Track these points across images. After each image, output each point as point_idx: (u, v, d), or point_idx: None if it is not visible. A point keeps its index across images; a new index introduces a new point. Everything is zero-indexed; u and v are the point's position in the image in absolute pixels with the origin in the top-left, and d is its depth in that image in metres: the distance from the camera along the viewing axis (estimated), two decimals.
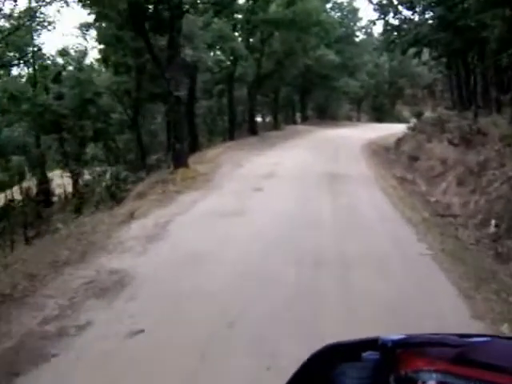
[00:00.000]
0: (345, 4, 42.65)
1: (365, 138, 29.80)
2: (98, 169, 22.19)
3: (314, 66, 37.00)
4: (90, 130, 22.45)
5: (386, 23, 24.33)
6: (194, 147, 24.54)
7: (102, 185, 17.40)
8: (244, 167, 17.31)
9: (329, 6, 40.99)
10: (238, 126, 35.39)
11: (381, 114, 57.59)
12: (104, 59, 21.98)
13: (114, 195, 15.00)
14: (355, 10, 43.77)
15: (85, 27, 20.80)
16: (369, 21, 25.03)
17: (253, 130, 31.47)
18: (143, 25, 14.33)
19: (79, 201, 17.82)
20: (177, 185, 12.80)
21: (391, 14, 24.23)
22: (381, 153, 25.12)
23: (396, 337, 0.94)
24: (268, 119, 45.34)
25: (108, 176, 18.21)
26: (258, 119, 48.42)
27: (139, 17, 13.96)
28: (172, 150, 15.80)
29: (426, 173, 17.69)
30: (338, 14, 42.14)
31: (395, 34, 24.56)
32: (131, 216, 10.06)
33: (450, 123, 21.80)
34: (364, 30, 45.61)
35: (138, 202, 11.70)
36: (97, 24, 18.69)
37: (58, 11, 22.91)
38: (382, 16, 24.27)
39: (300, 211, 10.55)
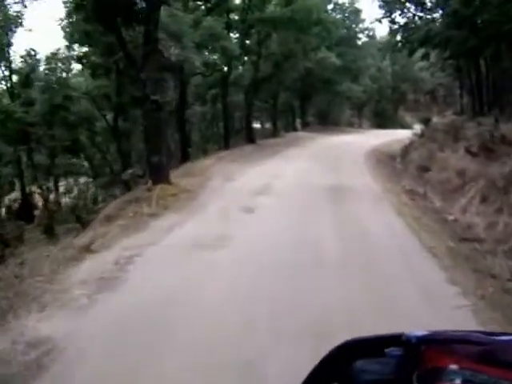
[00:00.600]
0: (346, 5, 40.63)
1: (368, 146, 27.77)
2: (75, 181, 20.15)
3: (314, 70, 34.91)
4: (67, 140, 20.18)
5: (393, 21, 22.30)
6: (185, 157, 22.45)
7: (72, 202, 15.18)
8: (236, 181, 15.19)
9: (330, 6, 38.86)
10: (235, 134, 33.36)
11: (383, 120, 55.55)
12: (79, 59, 19.80)
13: (79, 218, 12.87)
14: (357, 12, 41.72)
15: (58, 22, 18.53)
16: (375, 19, 22.56)
17: (250, 137, 29.37)
18: (114, 16, 12.26)
19: (48, 221, 15.56)
20: (152, 205, 10.64)
21: (398, 12, 22.24)
22: (386, 161, 23.04)
23: (420, 333, 0.93)
24: (267, 126, 43.30)
25: (75, 193, 16.03)
26: (257, 126, 46.53)
27: (108, 7, 11.89)
28: (148, 163, 13.61)
29: (441, 186, 15.56)
30: (340, 15, 39.99)
31: (402, 33, 22.53)
32: (87, 249, 7.93)
33: (464, 130, 19.88)
34: (366, 33, 43.61)
35: (102, 228, 9.57)
36: (71, 19, 16.42)
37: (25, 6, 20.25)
38: (388, 14, 22.24)
39: (297, 242, 8.41)
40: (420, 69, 61.30)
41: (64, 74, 21.24)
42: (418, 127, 33.19)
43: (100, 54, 17.54)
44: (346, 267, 7.10)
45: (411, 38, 21.51)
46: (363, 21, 43.28)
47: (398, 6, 21.64)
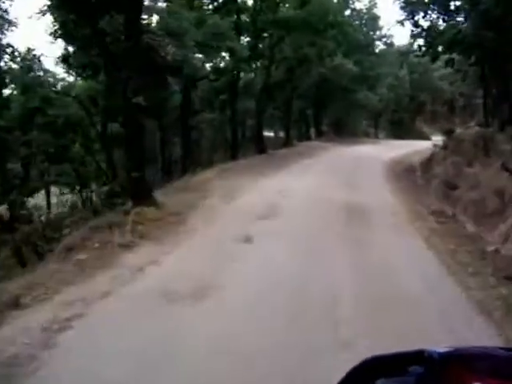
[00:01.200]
0: (364, 11, 38.31)
1: (386, 158, 25.59)
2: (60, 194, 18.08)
3: (330, 76, 32.71)
4: (50, 147, 18.05)
5: (416, 24, 20.01)
6: (187, 169, 20.34)
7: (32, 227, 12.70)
8: (237, 200, 13.03)
9: (347, 13, 36.59)
10: (247, 142, 31.27)
11: (400, 130, 53.12)
12: (64, 58, 17.59)
13: (35, 248, 10.64)
14: (375, 18, 39.41)
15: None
16: (396, 21, 20.30)
17: (260, 147, 27.21)
18: (87, 2, 10.17)
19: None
20: (126, 233, 8.48)
21: (421, 14, 19.95)
22: (406, 175, 20.79)
23: (443, 349, 0.90)
24: (281, 135, 41.18)
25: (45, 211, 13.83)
26: (270, 134, 44.39)
27: None
28: (128, 179, 11.38)
29: (473, 207, 13.29)
30: (357, 21, 37.72)
31: (425, 37, 20.23)
32: (16, 302, 5.75)
33: (495, 143, 17.66)
34: (384, 40, 41.27)
35: (55, 265, 7.43)
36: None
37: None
38: (411, 16, 19.97)
39: (302, 292, 6.25)
40: (439, 78, 58.97)
41: (42, 73, 19.13)
42: (438, 138, 31.05)
43: (78, 48, 15.40)
44: (366, 341, 4.85)
45: (436, 42, 19.25)
46: (381, 28, 41.02)
47: (421, 8, 19.37)
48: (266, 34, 26.51)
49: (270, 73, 26.66)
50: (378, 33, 40.47)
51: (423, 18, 19.74)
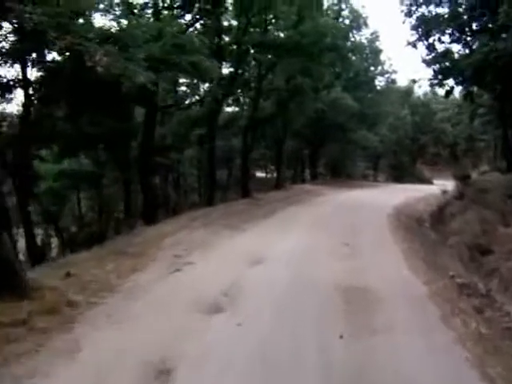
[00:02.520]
0: (365, 44, 34.72)
1: (389, 205, 21.53)
2: None
3: (327, 113, 28.91)
4: None
5: (430, 46, 16.26)
6: (150, 218, 16.12)
7: None
8: (187, 270, 8.79)
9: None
10: (235, 184, 27.24)
11: (400, 173, 49.22)
12: None
13: None
14: (377, 52, 35.83)
15: None
16: (407, 42, 16.41)
17: (245, 190, 23.14)
18: None
19: None
20: None
21: (436, 36, 16.24)
22: (416, 231, 16.64)
23: None
24: (275, 175, 37.34)
25: None
26: (261, 175, 40.37)
27: None
28: None
29: None
30: (358, 55, 34.11)
31: (440, 63, 16.44)
32: None
33: None
34: (387, 76, 37.57)
35: None
36: None
37: None
38: (424, 37, 16.25)
39: None
40: (441, 120, 55.49)
41: None
42: (441, 183, 27.40)
43: None
44: None
45: (452, 71, 15.45)
46: (383, 63, 37.40)
47: (437, 28, 15.64)
48: (253, 62, 22.75)
49: (258, 106, 22.79)
50: (379, 68, 36.84)
51: (439, 40, 16.06)
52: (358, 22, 33.21)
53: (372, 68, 37.14)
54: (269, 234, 12.82)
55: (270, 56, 20.13)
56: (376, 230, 15.16)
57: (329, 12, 28.36)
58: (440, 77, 16.72)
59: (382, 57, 36.89)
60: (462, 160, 51.87)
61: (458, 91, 20.55)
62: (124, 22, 13.85)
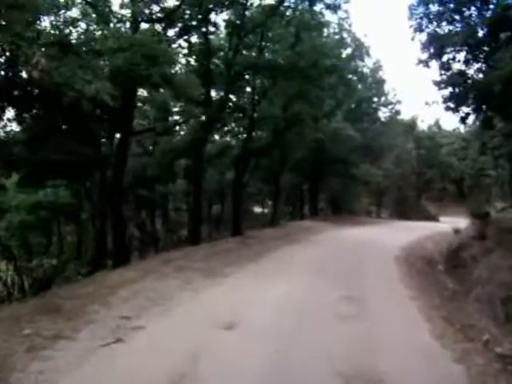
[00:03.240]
0: (368, 73, 32.81)
1: (395, 245, 19.29)
2: None
3: (327, 144, 26.75)
4: None
5: (445, 65, 14.15)
6: (123, 258, 13.76)
7: None
8: (129, 342, 6.39)
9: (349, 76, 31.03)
10: (227, 220, 24.91)
11: (404, 210, 46.79)
12: None
13: None
14: (381, 82, 33.87)
15: None
16: (418, 60, 14.26)
17: (236, 227, 20.79)
18: None
19: None
20: None
21: (451, 54, 14.14)
22: (429, 276, 14.22)
23: None
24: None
25: None
26: (259, 210, 38.06)
27: None
28: None
29: None
30: (361, 84, 32.16)
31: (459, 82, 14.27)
32: None
33: None
34: (391, 107, 35.48)
35: None
36: None
37: None
38: (438, 55, 14.16)
39: None
40: (447, 154, 53.53)
41: None
42: (456, 221, 25.04)
43: None
44: None
45: (474, 89, 13.28)
46: (387, 94, 35.38)
47: (452, 44, 13.55)
48: (248, 89, 20.71)
49: (251, 135, 20.65)
50: (383, 99, 34.81)
51: (453, 59, 13.98)
52: (360, 50, 31.32)
53: (375, 99, 35.15)
54: (253, 283, 10.42)
55: (264, 79, 18.05)
56: (383, 277, 12.75)
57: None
58: (455, 100, 14.53)
59: (386, 87, 34.93)
60: (472, 196, 49.56)
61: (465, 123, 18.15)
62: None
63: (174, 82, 10.94)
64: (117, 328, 6.91)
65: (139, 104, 15.38)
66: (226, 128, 22.64)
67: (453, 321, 8.59)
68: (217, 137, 24.35)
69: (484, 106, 14.57)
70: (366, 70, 33.05)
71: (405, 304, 9.62)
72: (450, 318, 8.83)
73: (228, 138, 23.21)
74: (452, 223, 24.51)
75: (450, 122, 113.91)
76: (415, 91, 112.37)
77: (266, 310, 8.28)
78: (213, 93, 18.99)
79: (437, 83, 14.92)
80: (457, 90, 14.50)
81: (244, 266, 12.77)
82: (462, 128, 62.26)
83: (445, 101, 14.83)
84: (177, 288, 9.65)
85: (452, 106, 14.60)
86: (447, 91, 15.08)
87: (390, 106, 35.28)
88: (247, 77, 18.61)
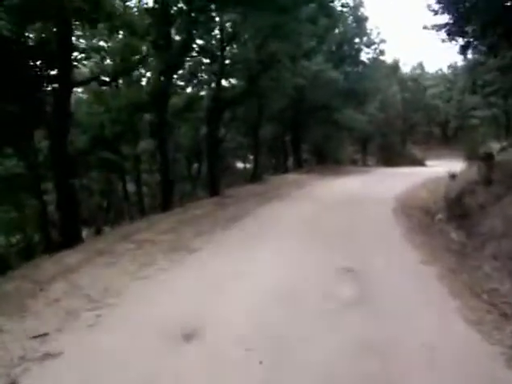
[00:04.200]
0: (347, 11, 29.81)
1: (389, 196, 17.18)
2: None
3: (308, 90, 24.21)
4: None
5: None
6: (71, 237, 11.35)
7: None
8: None
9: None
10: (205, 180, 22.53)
11: (391, 156, 44.62)
12: None
13: None
14: (362, 20, 30.95)
15: None
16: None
17: (213, 187, 18.49)
18: None
19: None
20: None
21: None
22: (433, 228, 12.20)
23: None
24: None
25: None
26: (240, 165, 35.65)
27: None
28: None
29: None
30: (340, 24, 29.23)
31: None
32: None
33: None
34: (374, 48, 32.64)
35: None
36: None
37: None
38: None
39: None
40: (432, 96, 51.19)
41: None
42: (434, 164, 23.09)
43: None
44: None
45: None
46: (369, 33, 32.42)
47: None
48: (217, 30, 17.97)
49: (221, 83, 18.07)
50: (365, 38, 31.97)
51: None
52: None
53: (357, 39, 32.25)
54: (226, 261, 8.19)
55: (233, 15, 15.38)
56: (384, 236, 10.64)
57: None
58: (456, 26, 12.05)
59: (369, 25, 31.98)
60: (463, 137, 47.42)
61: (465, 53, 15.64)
62: None
63: (103, 8, 8.38)
64: (20, 360, 4.66)
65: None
66: (195, 78, 19.93)
67: (482, 295, 6.53)
68: (189, 89, 21.76)
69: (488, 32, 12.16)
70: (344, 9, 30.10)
71: (419, 273, 7.52)
72: (475, 288, 6.79)
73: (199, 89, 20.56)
74: (440, 167, 22.60)
75: (433, 64, 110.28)
76: (395, 33, 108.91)
77: (242, 303, 6.08)
78: (177, 38, 16.30)
79: (434, 10, 12.41)
80: (458, 11, 12.02)
81: (217, 235, 10.52)
82: (445, 69, 60.23)
83: (445, 26, 12.36)
84: (129, 275, 7.41)
85: (454, 29, 12.12)
86: (446, 17, 12.61)
87: (373, 47, 32.49)
88: (213, 14, 15.88)
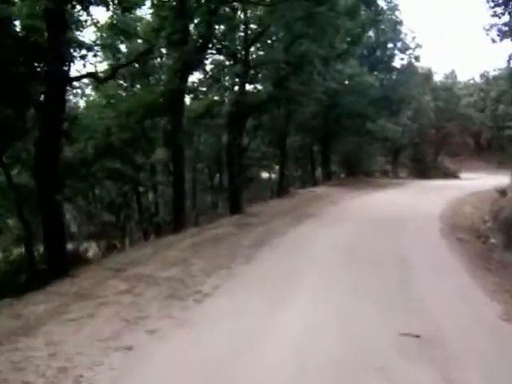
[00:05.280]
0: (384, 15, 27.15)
1: (430, 214, 14.98)
2: None
3: (340, 96, 21.73)
4: None
5: None
6: (57, 269, 9.06)
7: None
8: None
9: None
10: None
11: (423, 168, 41.70)
12: None
13: None
14: (397, 23, 28.29)
15: None
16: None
17: (235, 203, 16.15)
18: None
19: None
20: None
21: None
22: (491, 259, 9.60)
23: None
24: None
25: None
26: (266, 175, 33.05)
27: None
28: None
29: None
30: (372, 30, 26.59)
31: None
32: None
33: None
34: (409, 53, 29.94)
35: None
36: None
37: None
38: None
39: None
40: (466, 105, 48.04)
41: None
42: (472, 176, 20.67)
43: None
44: None
45: None
46: (402, 38, 29.78)
47: None
48: (242, 27, 15.71)
49: (245, 86, 15.79)
50: (399, 44, 29.35)
51: None
52: None
53: (390, 45, 29.66)
54: (243, 317, 5.79)
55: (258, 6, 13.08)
56: (445, 275, 8.13)
57: None
58: None
59: (403, 29, 29.31)
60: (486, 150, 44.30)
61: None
62: None
63: None
64: None
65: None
66: (216, 81, 17.67)
67: None
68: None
69: None
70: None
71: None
72: None
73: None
74: (477, 180, 20.38)
75: (462, 72, 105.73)
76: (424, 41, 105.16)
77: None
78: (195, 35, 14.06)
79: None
80: None
81: (236, 271, 8.16)
82: (477, 78, 56.99)
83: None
84: (101, 343, 5.05)
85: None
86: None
87: (408, 52, 29.79)
88: (235, 5, 13.59)
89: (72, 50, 10.22)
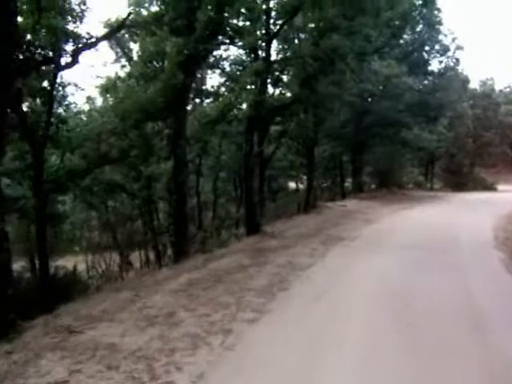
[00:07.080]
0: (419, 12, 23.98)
1: (484, 236, 12.33)
2: None
3: (375, 101, 18.77)
4: None
5: None
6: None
7: None
8: None
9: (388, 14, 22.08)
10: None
11: (459, 180, 38.16)
12: None
13: None
14: (435, 23, 25.08)
15: None
16: None
17: (251, 221, 13.37)
18: None
19: None
20: None
21: None
22: None
23: None
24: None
25: None
26: (293, 185, 30.04)
27: None
28: None
29: None
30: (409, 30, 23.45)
31: None
32: None
33: None
34: (448, 56, 26.71)
35: None
36: None
37: None
38: None
39: None
40: (505, 113, 44.34)
41: None
42: None
43: None
44: None
45: None
46: (440, 40, 26.53)
47: None
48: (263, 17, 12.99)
49: (265, 86, 13.05)
50: (437, 46, 26.17)
51: None
52: None
53: (427, 47, 26.48)
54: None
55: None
56: None
57: None
58: None
59: (442, 30, 26.04)
60: None
61: None
62: None
63: None
64: None
65: None
66: (233, 81, 14.97)
67: None
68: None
69: None
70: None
71: None
72: None
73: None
74: None
75: (500, 80, 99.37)
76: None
77: None
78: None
79: None
80: None
81: (234, 339, 5.33)
82: None
83: None
84: None
85: None
86: None
87: (447, 53, 26.53)
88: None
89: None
